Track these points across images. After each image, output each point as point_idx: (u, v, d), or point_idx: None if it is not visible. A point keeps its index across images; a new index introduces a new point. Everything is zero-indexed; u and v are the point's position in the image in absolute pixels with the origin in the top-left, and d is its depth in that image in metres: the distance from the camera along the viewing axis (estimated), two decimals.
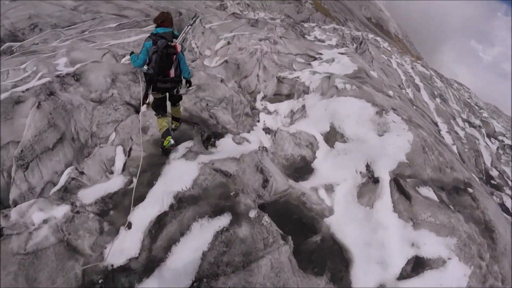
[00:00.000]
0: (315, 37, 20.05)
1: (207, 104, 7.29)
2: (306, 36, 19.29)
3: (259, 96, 9.73)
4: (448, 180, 6.37)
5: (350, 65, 11.13)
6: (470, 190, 6.18)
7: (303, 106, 8.54)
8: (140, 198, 4.84)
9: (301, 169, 6.72)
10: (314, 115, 7.91)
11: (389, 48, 30.61)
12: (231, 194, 4.82)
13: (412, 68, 27.83)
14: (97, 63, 7.61)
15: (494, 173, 17.82)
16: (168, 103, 5.94)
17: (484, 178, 16.59)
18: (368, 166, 6.39)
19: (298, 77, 9.71)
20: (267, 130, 8.92)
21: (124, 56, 8.71)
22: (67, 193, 5.04)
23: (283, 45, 13.17)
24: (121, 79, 7.47)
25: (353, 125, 7.30)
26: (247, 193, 4.97)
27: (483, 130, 25.27)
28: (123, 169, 5.56)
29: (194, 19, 6.19)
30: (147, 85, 5.39)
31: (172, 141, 5.59)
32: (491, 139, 25.33)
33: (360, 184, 6.20)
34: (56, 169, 5.81)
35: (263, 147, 6.50)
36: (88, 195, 4.91)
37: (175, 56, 5.21)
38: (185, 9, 18.32)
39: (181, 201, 4.64)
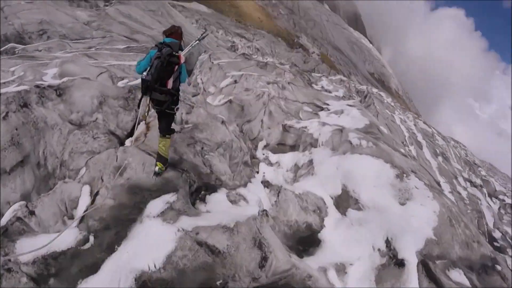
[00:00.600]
0: (322, 86, 19.32)
1: (202, 148, 6.14)
2: (313, 85, 18.53)
3: (261, 144, 8.60)
4: (475, 257, 5.37)
5: (361, 118, 10.10)
6: (498, 267, 5.27)
7: (310, 161, 7.39)
8: (93, 268, 3.55)
9: (306, 240, 5.48)
10: (323, 173, 6.75)
11: (392, 104, 30.01)
12: (218, 283, 3.49)
13: (414, 125, 27.06)
14: (87, 81, 6.56)
15: (497, 234, 17.05)
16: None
17: (487, 240, 15.49)
18: (388, 242, 5.21)
19: (305, 127, 8.62)
20: (266, 184, 7.73)
21: (122, 79, 7.67)
22: (4, 238, 3.74)
23: (291, 91, 12.22)
24: (110, 103, 6.44)
25: (370, 190, 6.13)
26: (239, 279, 3.65)
27: (484, 190, 24.22)
28: (81, 220, 4.28)
29: (203, 34, 5.71)
30: (142, 94, 4.98)
31: (157, 169, 5.16)
32: (492, 198, 24.31)
33: (379, 266, 4.97)
34: (9, 198, 4.55)
35: (263, 210, 5.26)
36: (29, 247, 3.56)
37: (177, 66, 4.83)
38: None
39: (144, 287, 3.32)
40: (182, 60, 4.85)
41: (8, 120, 4.93)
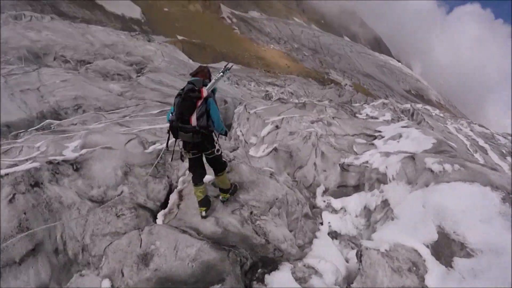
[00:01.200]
0: (367, 114, 17.82)
1: (252, 213, 5.01)
2: (357, 115, 17.12)
3: (319, 190, 7.30)
4: None
5: (424, 138, 8.59)
6: None
7: (385, 202, 5.96)
8: None
9: None
10: (407, 214, 5.27)
11: (441, 115, 27.69)
12: None
13: (471, 130, 24.52)
14: (108, 150, 5.86)
15: None
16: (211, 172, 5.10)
17: None
18: None
19: (367, 162, 7.25)
20: (333, 235, 6.41)
21: (154, 143, 6.86)
22: None
23: (338, 126, 10.95)
24: (137, 172, 5.68)
25: (477, 226, 4.56)
26: None
27: None
28: None
29: (226, 66, 5.08)
30: (168, 136, 4.65)
31: (204, 213, 4.88)
32: None
33: None
34: None
35: None
36: None
37: (199, 101, 4.36)
38: (231, 98, 17.00)
39: None
40: (204, 93, 4.38)
41: (14, 204, 4.16)
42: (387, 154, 7.19)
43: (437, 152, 7.47)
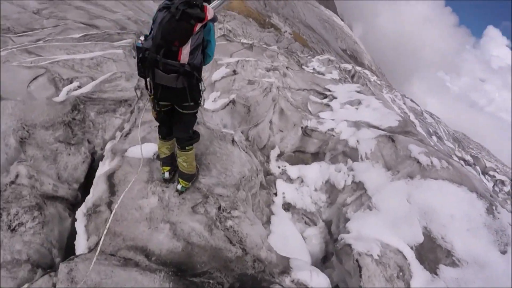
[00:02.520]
0: (314, 68, 16.91)
1: (219, 208, 3.58)
2: (303, 67, 16.11)
3: (273, 153, 6.23)
4: None
5: (387, 111, 7.85)
6: None
7: (358, 184, 5.08)
8: None
9: None
10: (388, 207, 4.49)
11: (378, 82, 28.09)
12: None
13: (404, 103, 25.27)
14: None
15: None
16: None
17: None
18: None
19: (332, 129, 6.30)
20: (287, 206, 5.54)
21: (71, 81, 5.10)
22: None
23: (292, 78, 9.83)
24: (41, 137, 3.82)
25: (464, 236, 3.97)
26: None
27: (478, 168, 22.91)
28: None
29: None
30: (138, 70, 3.01)
31: (167, 175, 3.69)
32: (485, 175, 23.13)
33: None
34: None
35: None
36: None
37: (199, 25, 2.76)
38: None
39: None
40: (210, 15, 2.83)
41: None
42: (357, 125, 6.30)
43: (402, 132, 6.78)
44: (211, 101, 5.99)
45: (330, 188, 5.59)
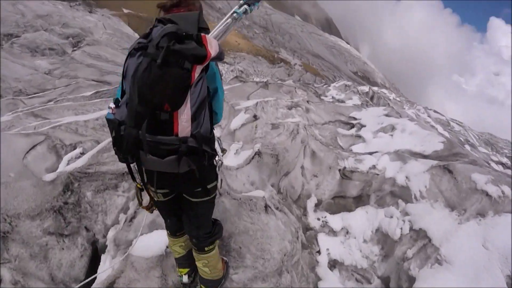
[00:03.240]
0: (333, 97, 16.28)
1: None
2: (322, 97, 15.49)
3: (310, 204, 5.43)
4: None
5: (426, 133, 7.00)
6: None
7: (418, 232, 4.19)
8: None
9: None
10: (462, 258, 3.59)
11: (398, 99, 27.18)
12: None
13: (429, 116, 24.18)
14: None
15: None
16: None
17: None
18: None
19: (374, 167, 5.49)
20: (333, 264, 4.70)
21: (74, 147, 4.50)
22: None
23: (315, 112, 9.15)
24: (27, 230, 3.16)
25: None
26: None
27: None
28: None
29: None
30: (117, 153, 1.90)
31: (186, 279, 2.70)
32: None
33: None
34: None
35: None
36: None
37: (198, 69, 1.69)
38: None
39: None
40: (213, 49, 1.73)
41: None
42: (400, 157, 5.47)
43: (451, 155, 5.91)
44: (233, 154, 5.31)
45: (383, 238, 4.71)
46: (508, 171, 15.56)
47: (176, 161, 1.76)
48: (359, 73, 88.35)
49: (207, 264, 2.49)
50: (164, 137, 1.72)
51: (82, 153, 4.29)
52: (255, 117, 6.12)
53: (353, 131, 8.57)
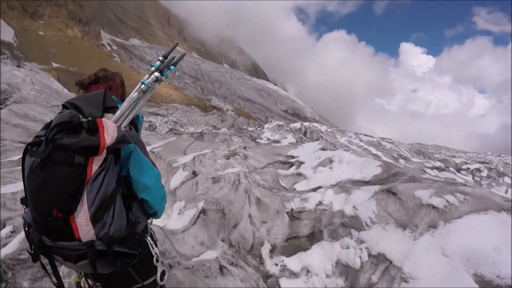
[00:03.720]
0: (268, 138, 16.58)
1: None
2: (257, 140, 15.70)
3: (264, 251, 5.23)
4: None
5: (363, 160, 7.27)
6: None
7: (377, 257, 4.18)
8: None
9: None
10: (426, 272, 3.69)
11: (329, 130, 28.47)
12: None
13: (360, 140, 25.51)
14: None
15: None
16: None
17: None
18: None
19: (320, 203, 5.49)
20: None
21: (3, 225, 3.90)
22: None
23: (253, 157, 9.15)
24: None
25: None
26: None
27: (452, 169, 23.01)
28: None
29: (169, 59, 1.99)
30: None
31: None
32: (461, 172, 23.21)
33: None
34: None
35: None
36: None
37: (96, 161, 1.46)
38: None
39: None
40: (109, 134, 1.50)
41: None
42: (343, 189, 5.55)
43: (390, 176, 6.15)
44: (176, 214, 5.01)
45: (345, 269, 4.64)
46: (446, 175, 16.62)
47: (89, 265, 1.54)
48: (289, 110, 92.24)
49: None
50: (66, 243, 1.51)
51: (13, 232, 3.72)
52: (194, 173, 5.91)
53: (293, 169, 8.66)
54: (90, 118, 1.53)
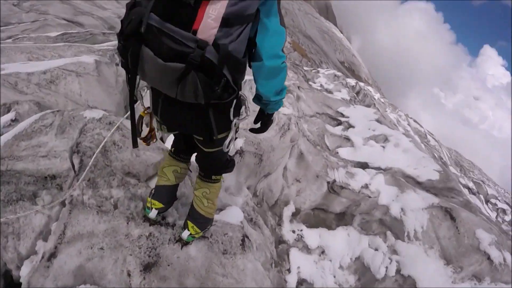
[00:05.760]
0: (321, 85, 15.41)
1: None
2: (310, 83, 14.61)
3: (286, 212, 4.68)
4: None
5: (421, 156, 6.38)
6: None
7: (406, 279, 3.57)
8: None
9: None
10: None
11: (382, 100, 26.70)
12: None
13: (408, 124, 23.94)
14: None
15: None
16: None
17: None
18: None
19: (367, 186, 4.77)
20: (301, 282, 4.11)
21: (8, 109, 3.44)
22: None
23: (305, 101, 8.34)
24: None
25: None
26: None
27: (481, 196, 21.72)
28: None
29: None
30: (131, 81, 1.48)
31: (153, 214, 2.33)
32: (488, 204, 22.00)
33: None
34: None
35: None
36: None
37: None
38: None
39: None
40: None
41: None
42: (398, 182, 4.77)
43: (445, 189, 5.30)
44: None
45: (362, 270, 4.08)
46: (473, 197, 15.52)
47: (178, 74, 1.29)
48: (346, 63, 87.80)
49: (207, 194, 2.25)
50: (176, 28, 1.27)
51: (14, 120, 3.20)
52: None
53: (340, 130, 7.86)
54: None
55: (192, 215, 2.33)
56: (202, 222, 2.35)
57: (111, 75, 4.99)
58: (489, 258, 3.52)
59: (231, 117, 1.72)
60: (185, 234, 2.31)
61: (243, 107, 1.84)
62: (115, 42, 6.98)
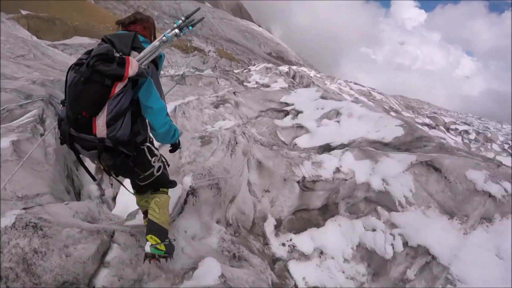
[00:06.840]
0: (256, 82, 15.10)
1: None
2: (245, 84, 14.26)
3: (268, 227, 4.19)
4: None
5: (377, 117, 6.14)
6: None
7: (416, 250, 3.21)
8: None
9: None
10: (479, 276, 2.81)
11: (318, 75, 26.99)
12: None
13: (351, 89, 24.31)
14: None
15: None
16: None
17: None
18: None
19: (338, 170, 4.37)
20: None
21: None
22: None
23: (245, 104, 7.88)
24: None
25: None
26: None
27: (441, 127, 22.38)
28: None
29: (190, 19, 2.37)
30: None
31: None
32: (449, 131, 22.76)
33: None
34: None
35: None
36: None
37: (119, 86, 1.99)
38: None
39: None
40: (132, 69, 1.95)
41: None
42: (368, 154, 4.43)
43: (414, 140, 5.06)
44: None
45: (368, 255, 3.68)
46: (436, 134, 15.72)
47: (96, 155, 2.06)
48: (273, 53, 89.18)
49: (159, 202, 2.64)
50: (86, 135, 2.04)
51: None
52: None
53: (290, 119, 7.50)
54: (121, 54, 2.02)
55: (149, 228, 2.56)
56: (157, 230, 2.55)
57: (37, 150, 4.25)
58: (490, 195, 3.23)
59: (150, 158, 2.31)
60: (147, 247, 2.45)
61: (154, 150, 2.37)
62: (35, 111, 6.12)
